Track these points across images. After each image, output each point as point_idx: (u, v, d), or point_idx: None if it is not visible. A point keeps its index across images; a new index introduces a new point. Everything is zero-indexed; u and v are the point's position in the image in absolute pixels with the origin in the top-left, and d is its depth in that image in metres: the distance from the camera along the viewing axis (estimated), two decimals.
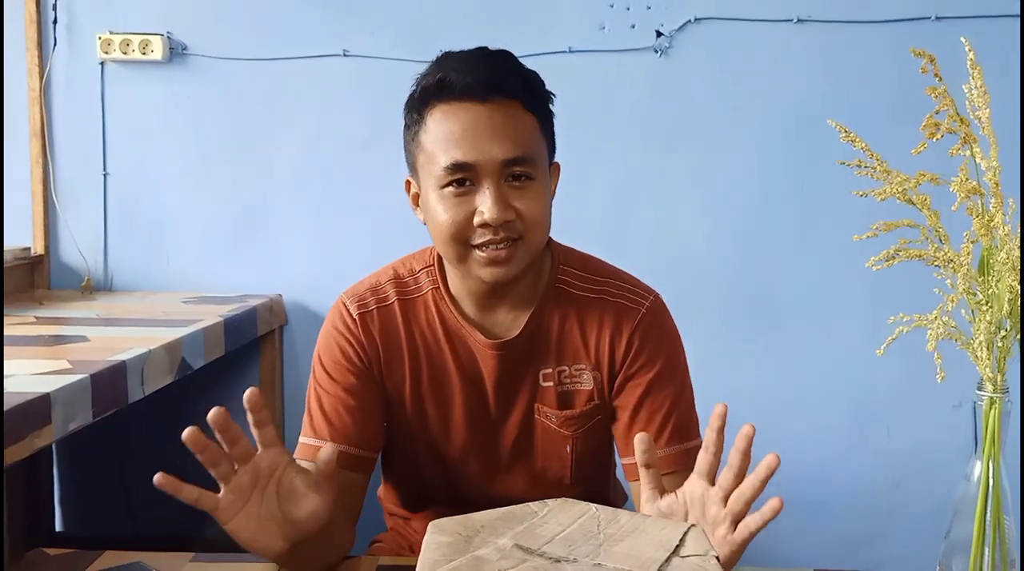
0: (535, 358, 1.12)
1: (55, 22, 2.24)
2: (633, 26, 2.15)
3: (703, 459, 0.91)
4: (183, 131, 2.25)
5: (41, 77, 2.25)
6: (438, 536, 0.73)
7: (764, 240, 2.19)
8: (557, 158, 1.13)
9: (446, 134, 1.02)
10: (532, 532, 0.74)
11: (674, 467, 1.09)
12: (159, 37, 2.20)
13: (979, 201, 0.78)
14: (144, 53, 2.21)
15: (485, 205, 1.01)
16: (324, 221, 2.24)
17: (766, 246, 2.20)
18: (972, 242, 0.77)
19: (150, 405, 1.78)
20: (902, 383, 2.17)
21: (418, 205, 1.10)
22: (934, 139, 0.75)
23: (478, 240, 1.03)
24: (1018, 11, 1.98)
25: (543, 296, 1.13)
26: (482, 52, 1.07)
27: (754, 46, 2.14)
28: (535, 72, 1.09)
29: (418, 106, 1.06)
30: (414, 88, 1.08)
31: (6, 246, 2.23)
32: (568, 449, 1.14)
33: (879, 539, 2.30)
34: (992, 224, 0.75)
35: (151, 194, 2.27)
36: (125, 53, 2.21)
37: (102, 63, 2.24)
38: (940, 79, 0.74)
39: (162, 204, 2.27)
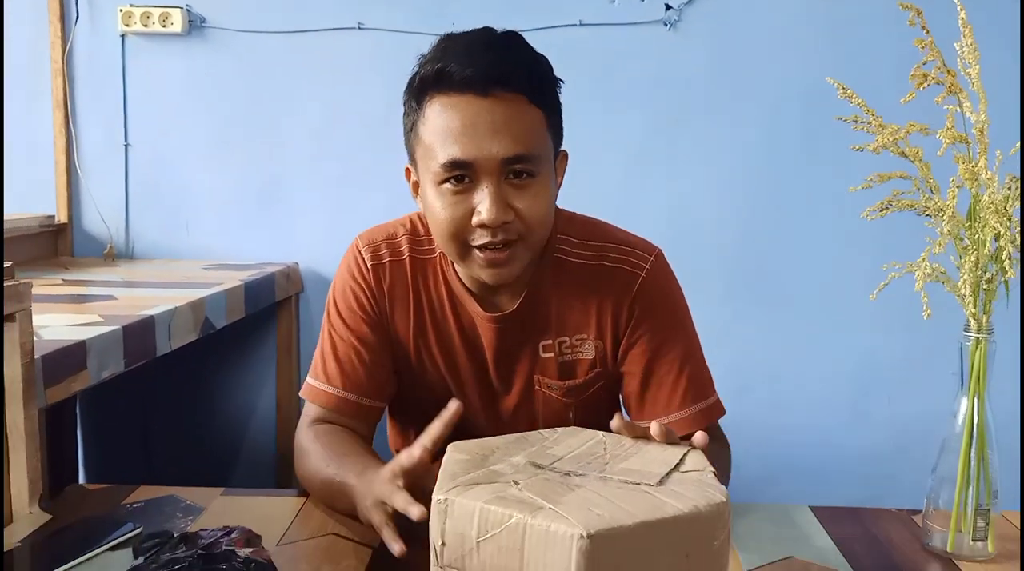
0: (534, 330, 1.11)
1: None
2: None
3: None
4: (202, 102, 2.31)
5: (63, 49, 2.30)
6: (457, 455, 0.79)
7: (770, 211, 2.24)
8: (566, 132, 1.08)
9: (444, 128, 0.97)
10: (543, 452, 0.80)
11: (694, 428, 1.04)
12: (178, 10, 2.25)
13: (967, 149, 0.83)
14: (164, 25, 2.26)
15: (483, 205, 0.97)
16: (340, 191, 2.30)
17: (772, 217, 2.25)
18: (958, 187, 0.82)
19: (172, 366, 1.85)
20: (903, 353, 2.22)
21: (418, 194, 1.08)
22: (921, 88, 0.80)
23: (477, 241, 1.00)
24: None
25: (540, 268, 1.10)
26: (486, 38, 1.01)
27: (761, 18, 2.18)
28: (543, 58, 1.03)
29: (417, 95, 1.01)
30: (414, 72, 1.02)
31: (31, 213, 2.29)
32: (571, 415, 1.14)
33: (882, 503, 2.35)
34: (976, 169, 0.80)
35: (171, 164, 2.33)
36: (145, 25, 2.27)
37: (123, 35, 2.30)
38: (928, 32, 0.79)
39: (182, 174, 2.33)
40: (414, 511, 0.85)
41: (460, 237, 1.00)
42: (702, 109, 2.22)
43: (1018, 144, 0.89)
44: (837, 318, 2.25)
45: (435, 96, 0.99)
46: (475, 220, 0.98)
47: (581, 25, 2.20)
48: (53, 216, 2.34)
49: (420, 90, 1.00)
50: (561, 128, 1.06)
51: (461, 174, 0.98)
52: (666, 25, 2.20)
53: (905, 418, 2.24)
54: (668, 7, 2.19)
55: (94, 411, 2.37)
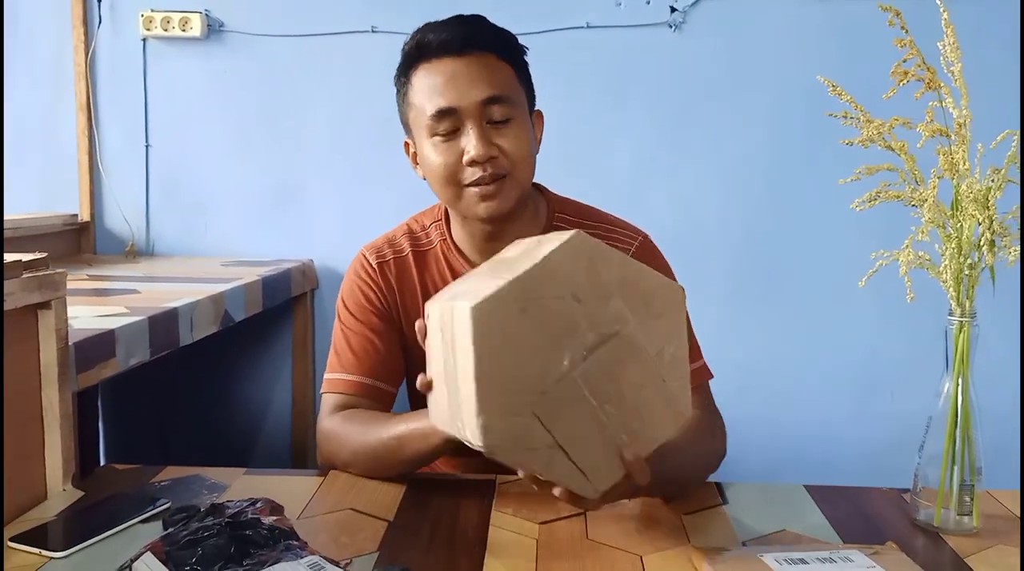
0: None
1: (99, 0, 2.36)
2: (648, 2, 2.25)
3: None
4: (220, 105, 2.37)
5: (86, 53, 2.37)
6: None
7: (774, 207, 2.29)
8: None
9: (430, 87, 1.11)
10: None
11: None
12: (198, 15, 2.32)
13: (948, 143, 0.88)
14: (184, 30, 2.33)
15: (470, 144, 1.09)
16: (354, 191, 2.36)
17: (776, 212, 2.29)
18: (939, 178, 0.87)
19: (191, 358, 1.91)
20: (904, 350, 2.26)
21: (417, 163, 1.19)
22: (901, 85, 0.85)
23: (468, 179, 1.11)
24: None
25: None
26: (456, 17, 1.16)
27: (764, 21, 2.23)
28: (507, 30, 1.17)
29: (404, 70, 1.16)
30: (401, 56, 1.17)
31: (55, 212, 2.37)
32: None
33: None
34: (954, 161, 0.85)
35: (191, 165, 2.40)
36: (166, 30, 2.34)
37: (144, 40, 2.37)
38: (907, 31, 0.84)
39: (201, 174, 2.40)
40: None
41: (454, 179, 1.12)
42: (706, 108, 2.27)
43: (999, 137, 0.93)
44: (841, 315, 2.29)
45: (419, 65, 1.13)
46: (465, 159, 1.10)
47: (588, 27, 2.26)
48: (76, 215, 2.41)
49: (406, 65, 1.15)
50: (532, 88, 1.19)
51: (449, 124, 1.11)
52: (671, 27, 2.25)
53: (907, 414, 2.26)
54: (673, 9, 2.24)
55: (114, 400, 2.44)
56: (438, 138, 1.12)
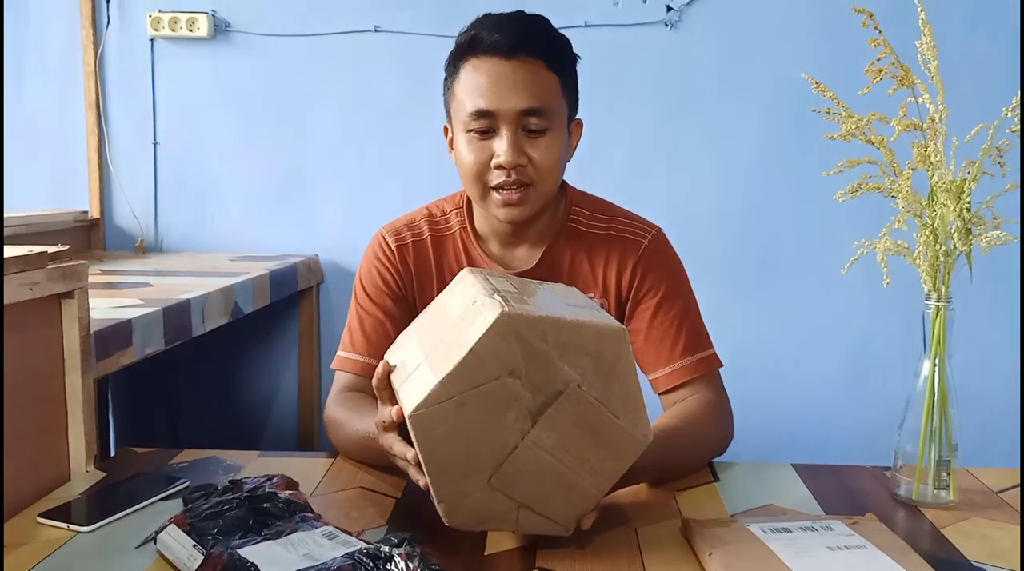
0: None
1: (108, 1, 2.42)
2: (645, 1, 2.30)
3: None
4: (227, 103, 2.43)
5: (95, 52, 2.43)
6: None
7: (768, 200, 2.34)
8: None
9: (474, 84, 1.14)
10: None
11: (690, 375, 1.21)
12: (204, 15, 2.38)
13: (921, 136, 0.93)
14: (191, 30, 2.38)
15: (501, 148, 1.13)
16: (358, 187, 2.42)
17: (770, 205, 2.35)
18: (912, 169, 0.92)
19: (199, 348, 1.96)
20: (896, 336, 2.32)
21: (453, 148, 1.23)
22: (876, 82, 0.90)
23: (494, 181, 1.15)
24: None
25: (557, 233, 1.24)
26: (516, 14, 1.17)
27: (757, 19, 2.28)
28: (563, 35, 1.19)
29: (454, 59, 1.18)
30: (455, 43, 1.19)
31: (65, 209, 2.42)
32: None
33: None
34: (927, 151, 0.90)
35: (198, 162, 2.45)
36: (173, 30, 2.39)
37: (152, 39, 2.42)
38: (880, 31, 0.89)
39: (208, 171, 2.45)
40: (410, 455, 0.91)
41: (481, 178, 1.16)
42: (701, 104, 2.33)
43: (973, 131, 0.99)
44: (834, 302, 2.35)
45: (468, 59, 1.15)
46: (494, 162, 1.14)
47: (586, 26, 2.31)
48: (86, 211, 2.46)
49: (457, 55, 1.17)
50: (576, 97, 1.22)
51: (485, 124, 1.14)
52: (667, 25, 2.31)
53: (899, 397, 2.32)
54: (669, 8, 2.30)
55: (123, 391, 2.49)
56: (473, 134, 1.15)
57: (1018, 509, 1.02)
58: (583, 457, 0.85)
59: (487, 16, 1.18)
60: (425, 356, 0.87)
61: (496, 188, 1.16)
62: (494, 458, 0.83)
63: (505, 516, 0.86)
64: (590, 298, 0.97)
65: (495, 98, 1.13)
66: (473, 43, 1.15)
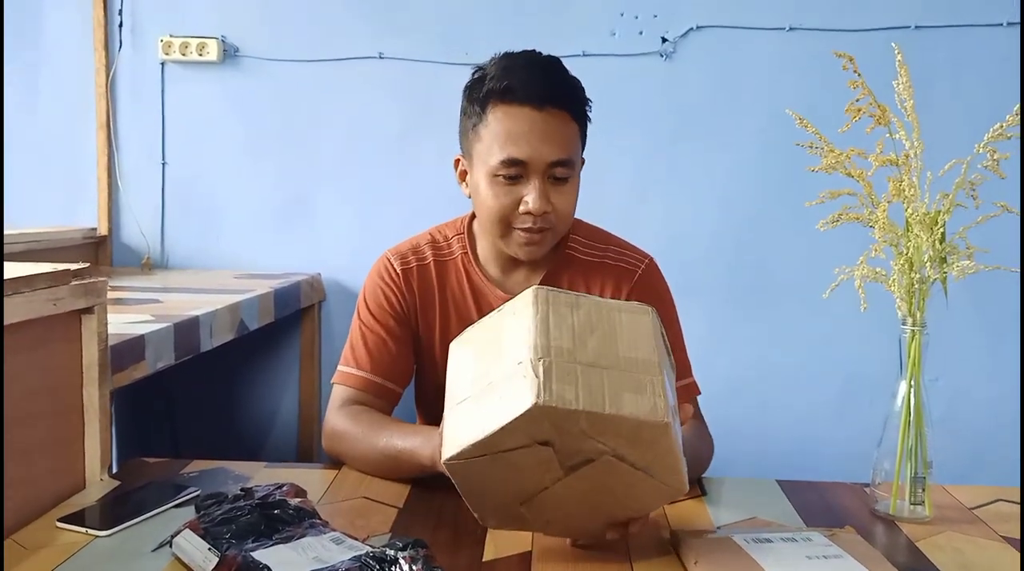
0: None
1: (121, 26, 2.49)
2: (641, 33, 2.38)
3: None
4: (235, 125, 2.49)
5: (107, 75, 2.50)
6: None
7: (762, 228, 2.41)
8: None
9: (506, 132, 1.18)
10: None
11: (681, 399, 1.25)
12: (215, 40, 2.45)
13: (897, 171, 1.00)
14: (201, 54, 2.45)
15: (531, 197, 1.18)
16: (360, 208, 2.48)
17: (764, 233, 2.41)
18: (888, 202, 0.98)
19: (203, 365, 2.01)
20: (885, 359, 2.36)
21: (464, 181, 1.28)
22: (855, 120, 0.97)
23: (520, 224, 1.21)
24: (985, 22, 2.20)
25: (555, 260, 1.31)
26: (542, 63, 1.22)
27: (750, 51, 2.36)
28: (579, 81, 1.24)
29: (481, 101, 1.21)
30: (476, 78, 1.22)
31: (74, 226, 2.48)
32: None
33: None
34: (902, 186, 0.96)
35: (205, 182, 2.52)
36: (184, 54, 2.46)
37: (163, 63, 2.49)
38: (859, 74, 0.96)
39: (215, 191, 2.52)
40: None
41: (506, 220, 1.22)
42: (696, 133, 2.40)
43: (947, 166, 1.05)
44: (824, 326, 2.40)
45: (499, 105, 1.19)
46: (522, 208, 1.20)
47: (584, 55, 2.38)
48: (95, 229, 2.52)
49: (485, 98, 1.21)
50: (586, 140, 1.28)
51: (515, 171, 1.19)
52: (662, 56, 2.38)
53: (884, 420, 2.39)
54: (664, 40, 2.38)
55: (124, 403, 2.54)
56: (500, 179, 1.19)
57: (991, 526, 1.08)
58: (616, 498, 0.90)
59: (511, 60, 1.21)
60: (471, 392, 0.90)
61: (519, 229, 1.22)
62: (527, 494, 0.89)
63: (534, 526, 0.96)
64: (662, 336, 0.95)
65: (528, 149, 1.18)
66: (506, 91, 1.18)
